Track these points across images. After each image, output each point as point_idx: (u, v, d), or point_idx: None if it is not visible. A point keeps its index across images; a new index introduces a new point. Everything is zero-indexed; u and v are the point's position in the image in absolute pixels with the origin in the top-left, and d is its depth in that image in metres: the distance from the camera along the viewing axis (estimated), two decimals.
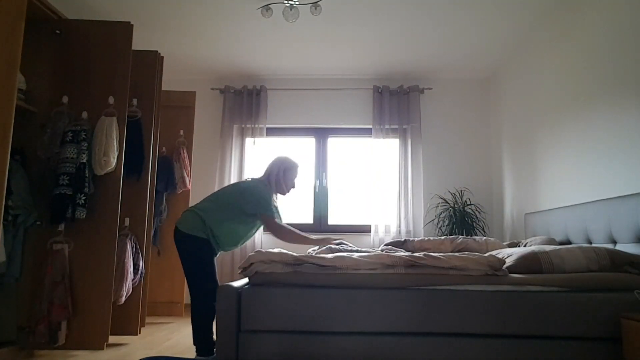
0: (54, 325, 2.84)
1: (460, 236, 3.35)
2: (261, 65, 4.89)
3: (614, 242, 2.76)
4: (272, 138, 5.22)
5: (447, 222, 4.54)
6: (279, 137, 5.23)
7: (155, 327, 3.84)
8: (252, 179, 2.85)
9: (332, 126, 5.17)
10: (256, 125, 5.00)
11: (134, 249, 3.39)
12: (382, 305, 2.14)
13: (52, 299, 2.84)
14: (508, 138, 4.58)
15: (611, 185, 2.91)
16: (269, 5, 3.59)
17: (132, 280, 3.33)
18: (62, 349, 2.94)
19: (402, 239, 3.35)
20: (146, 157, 3.54)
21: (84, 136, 3.00)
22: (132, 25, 3.27)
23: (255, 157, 4.95)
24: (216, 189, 4.87)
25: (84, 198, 2.93)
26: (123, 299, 3.21)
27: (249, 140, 5.03)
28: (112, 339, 3.28)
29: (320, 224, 5.03)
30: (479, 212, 4.78)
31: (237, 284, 2.31)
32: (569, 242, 3.20)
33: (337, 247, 2.80)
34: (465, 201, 4.78)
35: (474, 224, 4.46)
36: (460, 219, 4.45)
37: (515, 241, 3.43)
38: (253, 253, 2.29)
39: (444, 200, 4.88)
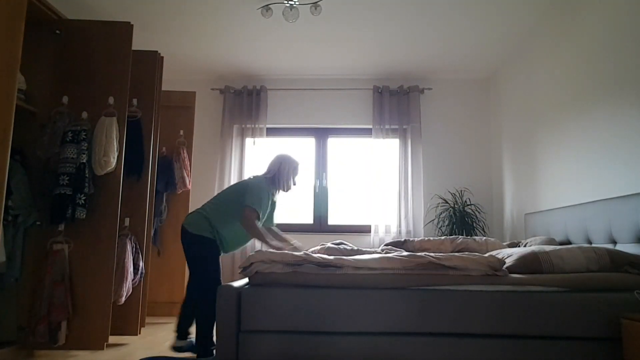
0: (54, 325, 2.84)
1: (460, 236, 3.35)
2: (261, 65, 4.89)
3: (614, 242, 2.76)
4: (272, 138, 5.22)
5: (447, 222, 4.54)
6: (279, 137, 5.23)
7: (155, 327, 3.84)
8: (254, 176, 2.91)
9: (332, 126, 5.17)
10: (256, 126, 5.00)
11: (134, 249, 3.39)
12: (382, 305, 2.14)
13: (52, 299, 2.84)
14: (508, 138, 4.58)
15: (611, 185, 2.91)
16: (269, 5, 3.59)
17: (132, 280, 3.33)
18: (62, 349, 2.94)
19: (402, 239, 3.36)
20: (146, 157, 3.54)
21: (84, 136, 3.00)
22: (132, 25, 3.27)
23: (255, 157, 4.94)
24: (216, 189, 4.88)
25: (84, 198, 2.93)
26: (123, 299, 3.21)
27: (249, 141, 5.03)
28: (112, 339, 3.28)
29: (320, 224, 5.03)
30: (479, 212, 4.78)
31: (237, 284, 2.31)
32: (569, 242, 3.20)
33: (336, 247, 2.80)
34: (465, 201, 4.78)
35: (474, 224, 4.46)
36: (460, 219, 4.45)
37: (515, 241, 3.43)
38: (253, 253, 2.30)
39: (444, 200, 4.88)
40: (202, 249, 2.64)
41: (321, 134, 5.21)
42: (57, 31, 3.18)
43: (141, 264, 3.40)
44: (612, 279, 2.19)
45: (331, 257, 2.27)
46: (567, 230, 3.20)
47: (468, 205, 4.59)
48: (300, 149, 5.22)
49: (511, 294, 2.13)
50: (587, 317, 2.09)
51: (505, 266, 2.34)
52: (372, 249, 3.05)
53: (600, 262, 2.28)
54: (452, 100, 5.14)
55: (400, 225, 4.85)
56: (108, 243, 3.04)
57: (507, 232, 4.58)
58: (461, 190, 4.96)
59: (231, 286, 2.21)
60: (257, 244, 4.74)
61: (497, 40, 4.22)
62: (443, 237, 3.35)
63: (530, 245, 3.07)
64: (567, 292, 2.15)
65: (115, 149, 3.08)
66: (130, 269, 3.29)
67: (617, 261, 2.28)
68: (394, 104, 5.02)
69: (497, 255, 2.59)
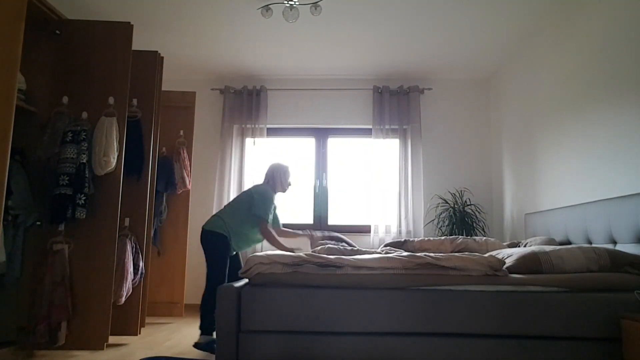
0: (54, 325, 2.84)
1: (460, 236, 3.36)
2: (261, 65, 4.89)
3: (614, 243, 2.76)
4: (272, 138, 5.22)
5: (447, 222, 4.55)
6: (279, 137, 5.23)
7: (155, 327, 3.84)
8: (255, 185, 3.34)
9: (332, 126, 5.17)
10: (256, 126, 5.00)
11: (134, 249, 3.39)
12: (383, 305, 2.14)
13: (52, 299, 2.84)
14: (508, 138, 4.58)
15: (611, 186, 2.91)
16: (269, 6, 3.59)
17: (132, 280, 3.34)
18: (62, 349, 2.94)
19: (402, 239, 3.37)
20: (146, 157, 3.54)
21: (84, 136, 3.00)
22: (132, 25, 3.27)
23: (255, 157, 4.94)
24: (216, 189, 4.88)
25: (84, 198, 2.93)
26: (123, 299, 3.21)
27: (249, 141, 5.03)
28: (112, 339, 3.28)
29: (320, 224, 5.02)
30: (479, 212, 4.78)
31: (237, 284, 2.31)
32: (569, 243, 3.20)
33: (336, 246, 2.81)
34: (465, 201, 4.78)
35: (474, 224, 4.46)
36: (460, 219, 4.45)
37: (515, 241, 3.43)
38: (251, 256, 2.30)
39: (444, 200, 4.88)
40: (215, 242, 3.08)
41: (321, 134, 5.21)
42: (57, 31, 3.18)
43: (141, 264, 3.40)
44: (612, 279, 2.19)
45: (332, 257, 2.27)
46: (567, 230, 3.20)
47: (468, 205, 4.59)
48: (300, 149, 5.22)
49: (511, 294, 2.14)
50: (587, 317, 2.09)
51: (505, 266, 2.35)
52: (372, 250, 3.06)
53: (601, 262, 2.28)
54: (452, 100, 5.14)
55: (400, 226, 4.85)
56: (108, 243, 3.04)
57: (507, 232, 4.58)
58: (461, 190, 4.96)
59: (231, 286, 2.21)
60: (257, 247, 4.74)
61: (497, 40, 4.22)
62: (443, 237, 3.35)
63: (530, 246, 3.06)
64: (567, 292, 2.15)
65: (115, 149, 3.08)
66: (130, 269, 3.29)
67: (617, 261, 2.28)
68: (394, 104, 5.02)
69: (497, 256, 2.59)
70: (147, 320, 4.18)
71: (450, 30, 4.04)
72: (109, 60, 3.21)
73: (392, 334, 2.14)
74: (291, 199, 5.10)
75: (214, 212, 3.44)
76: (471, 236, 4.39)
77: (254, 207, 3.16)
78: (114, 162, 3.07)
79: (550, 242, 3.10)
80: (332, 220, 5.06)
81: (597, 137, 3.07)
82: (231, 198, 4.81)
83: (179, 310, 4.41)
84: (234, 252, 3.32)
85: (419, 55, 4.58)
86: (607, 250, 2.33)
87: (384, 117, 4.96)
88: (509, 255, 2.49)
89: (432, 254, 2.26)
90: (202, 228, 3.16)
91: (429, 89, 5.12)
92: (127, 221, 3.42)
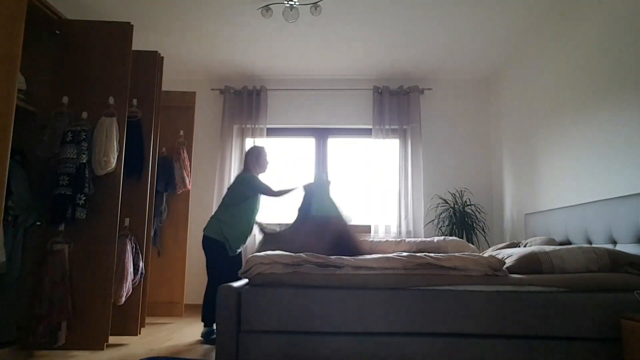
0: (54, 325, 2.84)
1: (419, 238, 3.45)
2: (261, 66, 4.89)
3: (614, 243, 2.76)
4: (272, 138, 5.22)
5: (447, 222, 4.55)
6: (279, 137, 5.23)
7: (155, 327, 3.84)
8: (237, 175, 3.59)
9: (332, 126, 5.17)
10: (256, 126, 5.00)
11: (134, 249, 3.39)
12: (382, 305, 2.14)
13: (52, 299, 2.84)
14: (508, 138, 4.58)
15: (611, 186, 2.91)
16: (269, 6, 3.59)
17: (132, 280, 3.34)
18: (62, 349, 2.94)
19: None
20: (146, 158, 3.54)
21: (84, 136, 3.00)
22: (132, 25, 3.27)
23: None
24: (216, 189, 4.88)
25: (84, 198, 2.93)
26: (123, 299, 3.21)
27: (249, 141, 5.03)
28: (112, 339, 3.28)
29: None
30: (479, 213, 4.78)
31: (237, 284, 2.31)
32: (569, 243, 3.20)
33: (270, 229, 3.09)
34: (465, 201, 4.78)
35: (474, 224, 4.46)
36: (461, 219, 4.45)
37: (515, 241, 3.43)
38: (251, 256, 2.30)
39: (444, 200, 4.88)
40: (212, 247, 3.36)
41: (321, 134, 5.21)
42: (57, 31, 3.18)
43: (141, 264, 3.40)
44: (612, 279, 2.19)
45: (332, 257, 2.27)
46: (567, 230, 3.20)
47: (468, 205, 4.59)
48: (300, 149, 5.22)
49: (511, 294, 2.14)
50: (587, 317, 2.09)
51: (505, 266, 2.35)
52: None
53: (601, 262, 2.28)
54: (452, 101, 5.14)
55: (400, 226, 4.85)
56: (108, 243, 3.04)
57: (507, 232, 4.58)
58: (461, 191, 4.96)
59: (231, 286, 2.21)
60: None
61: (497, 40, 4.22)
62: (399, 239, 3.46)
63: (530, 246, 3.06)
64: (567, 292, 2.15)
65: (115, 149, 3.08)
66: (130, 269, 3.29)
67: (617, 261, 2.28)
68: (394, 104, 5.02)
69: (497, 256, 2.59)
70: (147, 320, 4.18)
71: (450, 30, 4.04)
72: (109, 60, 3.21)
73: (392, 334, 2.14)
74: (291, 199, 5.08)
75: (214, 212, 3.54)
76: (470, 236, 4.41)
77: (254, 190, 3.45)
78: (114, 162, 3.07)
79: (550, 242, 3.10)
80: None
81: (597, 137, 3.07)
82: None
83: (179, 310, 4.41)
84: (238, 252, 3.52)
85: (419, 56, 4.58)
86: (607, 250, 2.33)
87: (384, 117, 4.96)
88: (509, 255, 2.49)
89: (431, 254, 2.26)
90: (203, 232, 3.41)
91: (429, 89, 5.12)
92: (127, 221, 3.42)
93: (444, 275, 2.18)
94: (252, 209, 3.49)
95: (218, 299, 2.18)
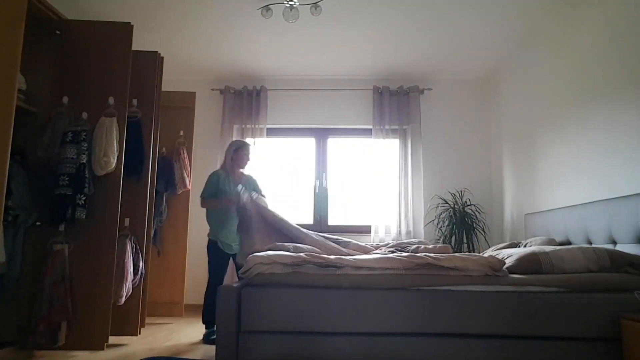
0: (54, 325, 2.84)
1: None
2: (261, 66, 4.89)
3: (614, 243, 2.76)
4: (272, 138, 5.22)
5: (447, 222, 4.54)
6: (279, 137, 5.23)
7: (155, 327, 3.84)
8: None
9: (332, 127, 5.17)
10: (256, 126, 5.00)
11: (134, 250, 3.39)
12: (382, 305, 2.14)
13: (52, 300, 2.83)
14: (508, 138, 4.58)
15: (611, 185, 2.91)
16: (269, 6, 3.59)
17: (132, 280, 3.33)
18: (62, 349, 2.94)
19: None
20: (146, 158, 3.54)
21: (84, 136, 3.00)
22: (132, 25, 3.27)
23: (255, 157, 4.94)
24: None
25: (84, 198, 2.93)
26: (123, 299, 3.21)
27: (249, 141, 5.02)
28: (112, 339, 3.28)
29: (320, 224, 5.03)
30: (479, 213, 4.78)
31: (237, 284, 2.31)
32: (569, 243, 3.20)
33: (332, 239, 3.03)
34: (465, 201, 4.78)
35: (474, 225, 4.46)
36: (460, 219, 4.45)
37: (515, 242, 3.43)
38: (251, 256, 2.30)
39: (444, 200, 4.88)
40: (209, 248, 3.48)
41: (321, 134, 5.21)
42: (57, 31, 3.18)
43: (141, 264, 3.40)
44: (612, 279, 2.19)
45: (332, 257, 2.27)
46: (567, 230, 3.20)
47: (468, 205, 4.59)
48: (300, 149, 5.22)
49: (511, 294, 2.13)
50: (587, 317, 2.09)
51: (505, 266, 2.35)
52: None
53: (601, 262, 2.28)
54: (452, 101, 5.14)
55: (400, 226, 4.85)
56: (108, 243, 3.04)
57: (507, 233, 4.58)
58: (461, 191, 4.96)
59: (231, 286, 2.21)
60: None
61: (497, 40, 4.22)
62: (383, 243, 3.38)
63: (530, 246, 3.06)
64: (567, 293, 2.15)
65: (115, 149, 3.08)
66: (130, 269, 3.29)
67: (617, 261, 2.28)
68: (394, 104, 5.02)
69: (497, 256, 2.59)
70: (147, 320, 4.18)
71: (450, 30, 4.04)
72: (109, 60, 3.21)
73: (392, 334, 2.14)
74: (291, 199, 5.10)
75: None
76: (470, 237, 4.40)
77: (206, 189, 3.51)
78: (114, 162, 3.07)
79: (550, 242, 3.10)
80: (332, 221, 5.06)
81: (596, 137, 3.07)
82: None
83: (179, 310, 4.41)
84: (234, 247, 3.51)
85: (419, 56, 4.58)
86: (607, 250, 2.33)
87: (384, 117, 4.96)
88: (509, 255, 2.49)
89: (432, 254, 2.26)
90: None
91: (429, 89, 5.12)
92: (127, 221, 3.41)
93: (444, 276, 2.18)
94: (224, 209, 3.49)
95: (218, 299, 2.18)
